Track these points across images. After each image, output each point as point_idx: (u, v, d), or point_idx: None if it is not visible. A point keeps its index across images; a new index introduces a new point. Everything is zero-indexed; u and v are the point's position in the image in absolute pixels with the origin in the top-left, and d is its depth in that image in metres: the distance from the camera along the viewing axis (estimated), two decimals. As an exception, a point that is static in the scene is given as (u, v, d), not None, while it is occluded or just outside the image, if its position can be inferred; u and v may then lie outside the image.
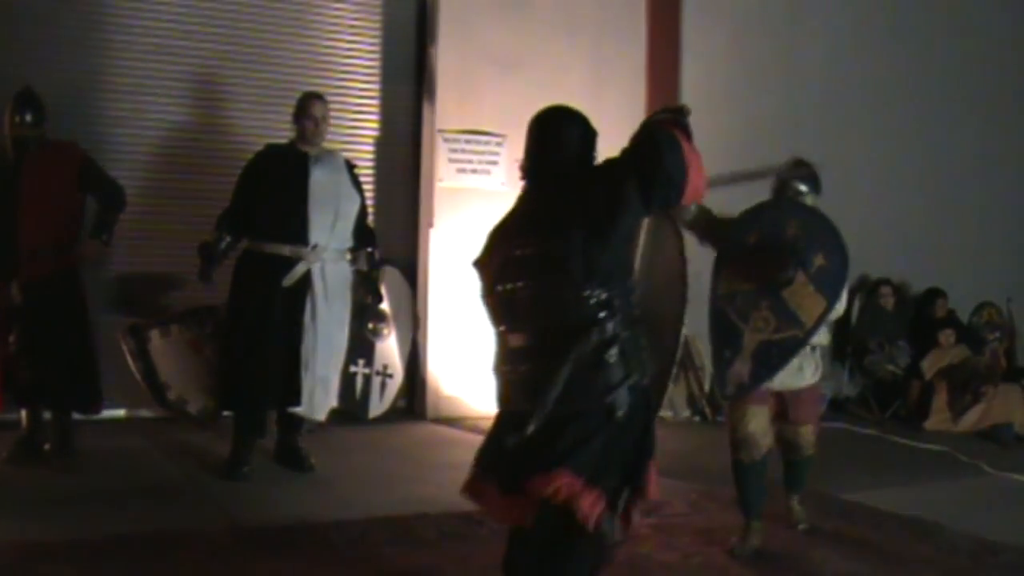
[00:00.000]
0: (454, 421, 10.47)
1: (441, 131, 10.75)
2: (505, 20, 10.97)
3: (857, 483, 8.90)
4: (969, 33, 13.57)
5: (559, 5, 11.27)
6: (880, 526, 7.69)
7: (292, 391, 8.08)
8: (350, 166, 8.55)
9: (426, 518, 7.19)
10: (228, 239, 8.25)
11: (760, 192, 7.35)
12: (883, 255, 12.55)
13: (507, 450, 4.82)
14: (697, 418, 11.42)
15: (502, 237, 5.14)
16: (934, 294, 12.57)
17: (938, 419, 11.36)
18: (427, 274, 10.77)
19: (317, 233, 8.10)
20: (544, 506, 4.63)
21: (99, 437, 8.78)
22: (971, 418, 11.18)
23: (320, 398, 8.24)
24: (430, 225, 10.79)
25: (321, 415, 8.39)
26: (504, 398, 5.09)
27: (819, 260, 6.75)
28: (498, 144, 10.93)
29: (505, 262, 4.96)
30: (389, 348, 10.32)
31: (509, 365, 4.94)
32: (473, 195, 10.79)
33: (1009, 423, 11.04)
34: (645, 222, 5.90)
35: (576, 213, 4.74)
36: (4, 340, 8.06)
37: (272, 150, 8.40)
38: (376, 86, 10.80)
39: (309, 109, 8.31)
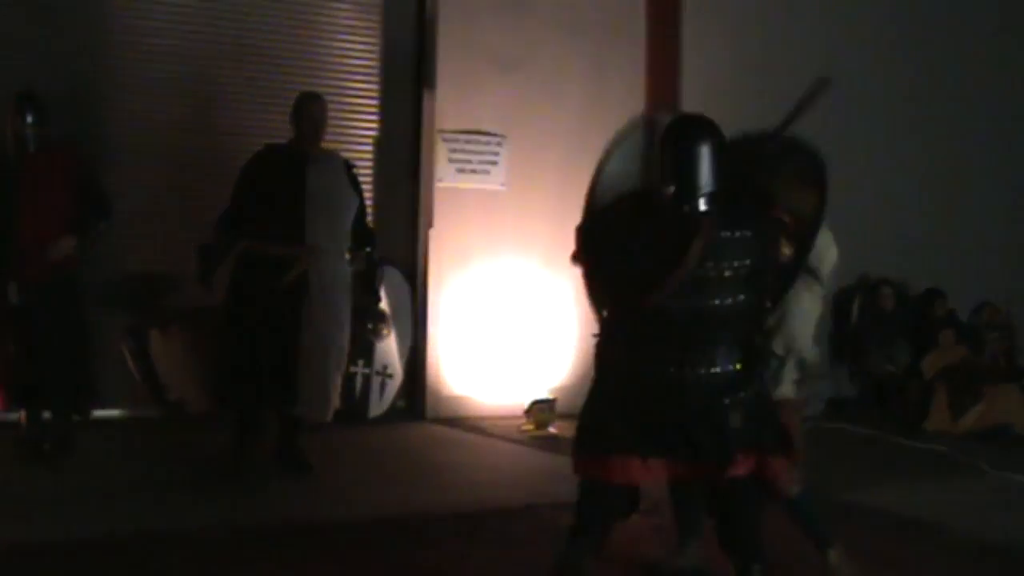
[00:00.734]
0: (454, 422, 10.47)
1: (441, 131, 10.74)
2: (505, 20, 10.96)
3: (856, 484, 8.88)
4: (970, 30, 13.55)
5: (559, 5, 11.25)
6: (879, 527, 7.68)
7: (290, 391, 8.06)
8: (348, 166, 8.54)
9: (427, 518, 7.19)
10: (227, 240, 8.23)
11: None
12: (883, 255, 12.54)
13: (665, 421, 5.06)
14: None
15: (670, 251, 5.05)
16: (934, 294, 12.56)
17: (938, 419, 11.34)
18: (427, 274, 10.76)
19: (315, 233, 8.08)
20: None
21: (98, 437, 8.77)
22: (971, 418, 11.16)
23: (320, 399, 8.22)
24: (429, 225, 10.78)
25: (323, 416, 8.36)
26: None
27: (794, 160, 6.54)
28: (498, 144, 10.93)
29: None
30: (389, 348, 10.31)
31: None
32: (473, 195, 10.79)
33: (1009, 423, 11.03)
34: None
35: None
36: (3, 340, 8.07)
37: (270, 151, 8.38)
38: (376, 86, 10.79)
39: (307, 110, 8.30)
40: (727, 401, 5.01)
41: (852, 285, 12.75)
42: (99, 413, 8.68)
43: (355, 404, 10.02)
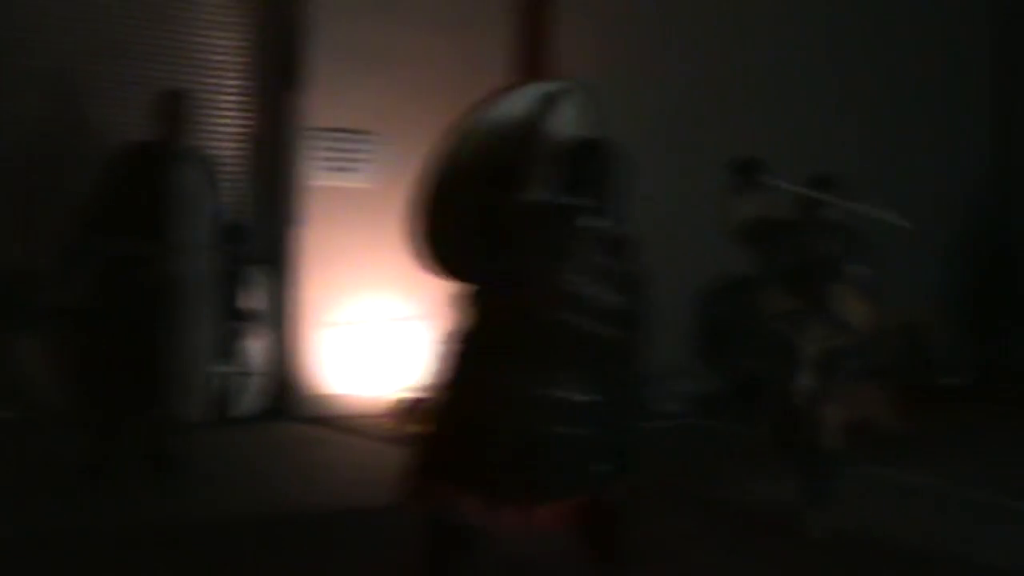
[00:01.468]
0: (320, 420, 10.42)
1: (310, 129, 10.68)
2: (375, 18, 10.92)
3: (724, 478, 9.01)
4: (848, 26, 13.78)
5: (429, 2, 11.24)
6: (749, 522, 7.79)
7: (156, 391, 7.98)
8: (213, 163, 8.48)
9: (294, 518, 7.16)
10: (89, 238, 8.12)
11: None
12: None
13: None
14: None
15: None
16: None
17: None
18: (294, 272, 10.69)
19: (180, 232, 8.00)
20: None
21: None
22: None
23: (187, 399, 8.15)
24: (298, 223, 10.71)
25: (189, 416, 8.29)
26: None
27: (853, 268, 7.44)
28: (368, 142, 10.89)
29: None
30: (256, 347, 10.24)
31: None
32: (342, 193, 10.75)
33: (871, 417, 11.21)
34: None
35: None
36: None
37: (134, 147, 8.28)
38: (245, 83, 10.69)
39: (171, 107, 8.22)
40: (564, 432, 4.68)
41: (719, 284, 12.88)
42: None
43: (221, 404, 9.92)
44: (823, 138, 13.49)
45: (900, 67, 14.42)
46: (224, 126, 10.54)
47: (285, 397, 10.67)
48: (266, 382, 10.40)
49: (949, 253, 14.96)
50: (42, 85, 9.88)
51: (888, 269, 7.89)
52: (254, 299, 10.14)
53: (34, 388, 9.01)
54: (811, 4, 13.72)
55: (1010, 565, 7.00)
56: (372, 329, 10.82)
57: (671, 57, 12.65)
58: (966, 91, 15.30)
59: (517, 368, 4.70)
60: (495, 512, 4.69)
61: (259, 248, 10.34)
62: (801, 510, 7.46)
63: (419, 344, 10.91)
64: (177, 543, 6.63)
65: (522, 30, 11.69)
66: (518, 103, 5.27)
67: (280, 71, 10.85)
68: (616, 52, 12.29)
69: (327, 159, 10.79)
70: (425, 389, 8.99)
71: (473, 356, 4.90)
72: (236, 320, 9.89)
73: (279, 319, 10.54)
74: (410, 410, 10.18)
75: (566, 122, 4.97)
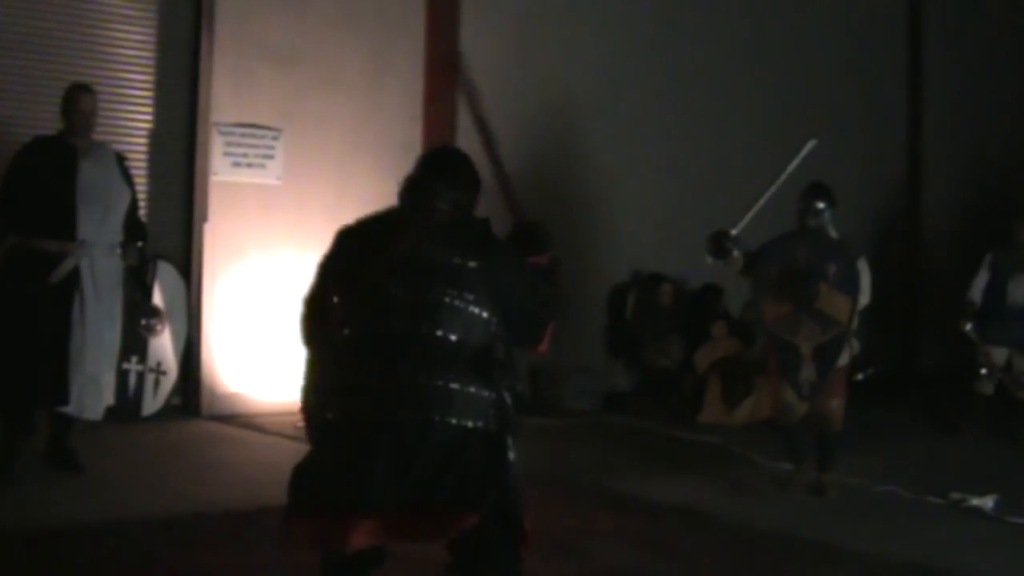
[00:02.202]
0: (230, 419, 10.35)
1: (216, 124, 10.59)
2: (282, 13, 10.86)
3: (632, 475, 9.05)
4: (764, 27, 13.90)
5: (338, -1, 11.22)
6: (655, 517, 7.83)
7: (61, 390, 7.88)
8: (120, 159, 8.39)
9: (203, 518, 7.10)
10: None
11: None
12: (659, 252, 12.78)
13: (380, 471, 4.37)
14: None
15: (394, 239, 4.66)
16: (709, 290, 12.76)
17: (712, 411, 11.58)
18: (201, 269, 10.59)
19: (85, 228, 7.91)
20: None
21: None
22: (745, 410, 11.40)
23: (92, 397, 8.06)
24: (204, 219, 10.62)
25: (95, 414, 8.20)
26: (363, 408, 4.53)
27: (833, 268, 8.42)
28: (274, 138, 10.83)
29: (411, 262, 4.56)
30: (163, 345, 10.16)
31: (378, 367, 4.51)
32: (248, 189, 10.68)
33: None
34: None
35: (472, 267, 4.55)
36: None
37: (39, 143, 8.18)
38: (150, 77, 10.57)
39: (77, 102, 8.12)
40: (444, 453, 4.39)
41: (627, 281, 12.96)
42: None
43: (128, 401, 9.85)
44: (735, 137, 13.63)
45: (816, 71, 14.60)
46: (129, 120, 10.41)
47: (194, 395, 10.58)
48: (175, 380, 10.30)
49: (861, 250, 15.11)
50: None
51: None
52: (161, 296, 10.04)
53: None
54: (728, 7, 13.84)
55: (917, 558, 7.08)
56: (279, 326, 10.75)
57: (580, 50, 12.69)
58: (882, 97, 15.53)
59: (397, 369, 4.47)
60: (378, 534, 4.42)
61: (166, 245, 10.24)
62: (815, 476, 8.64)
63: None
64: (80, 543, 6.54)
65: (432, 25, 11.70)
66: None
67: (187, 65, 10.75)
68: (526, 47, 12.32)
69: (233, 155, 10.69)
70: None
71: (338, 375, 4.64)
72: (144, 317, 9.79)
73: (186, 316, 10.44)
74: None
75: None
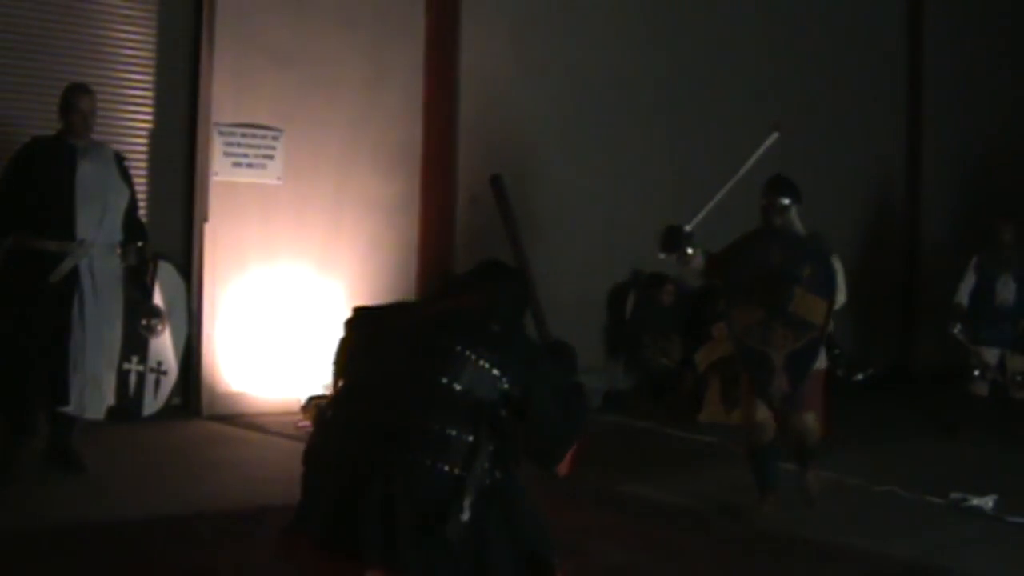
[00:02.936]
0: (230, 418, 10.35)
1: (217, 124, 10.59)
2: (283, 13, 10.86)
3: (632, 474, 9.05)
4: (759, 25, 13.92)
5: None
6: (655, 517, 7.83)
7: (61, 390, 7.89)
8: (119, 158, 8.38)
9: (203, 517, 7.10)
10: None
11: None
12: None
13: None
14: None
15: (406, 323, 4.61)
16: (711, 290, 12.75)
17: (711, 411, 11.57)
18: (201, 269, 10.59)
19: (84, 228, 7.91)
20: None
21: None
22: (743, 409, 11.39)
23: (93, 397, 8.06)
24: (205, 219, 10.62)
25: (97, 414, 8.20)
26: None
27: (807, 271, 7.85)
28: (274, 138, 10.83)
29: (421, 343, 4.46)
30: (163, 344, 10.15)
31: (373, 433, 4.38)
32: (248, 189, 10.67)
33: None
34: None
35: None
36: None
37: (38, 143, 8.18)
38: (151, 77, 10.57)
39: (75, 102, 8.11)
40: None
41: (626, 281, 12.96)
42: None
43: (129, 401, 9.85)
44: (736, 136, 13.63)
45: (813, 68, 14.60)
46: (130, 120, 10.42)
47: (195, 395, 10.58)
48: (176, 380, 10.30)
49: (857, 251, 15.14)
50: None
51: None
52: (161, 296, 10.04)
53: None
54: (728, 4, 13.86)
55: (917, 558, 7.09)
56: (280, 326, 10.76)
57: (580, 50, 12.69)
58: (881, 97, 15.53)
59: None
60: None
61: (166, 245, 10.24)
62: (800, 479, 8.13)
63: (328, 340, 10.88)
64: (81, 543, 6.54)
65: (432, 25, 11.70)
66: None
67: (187, 65, 10.76)
68: (525, 49, 12.32)
69: (233, 155, 10.69)
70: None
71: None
72: (145, 317, 9.79)
73: (186, 316, 10.43)
74: (321, 407, 10.16)
75: None
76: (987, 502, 8.33)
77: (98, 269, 8.01)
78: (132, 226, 8.32)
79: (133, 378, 9.93)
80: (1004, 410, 11.30)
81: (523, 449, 4.46)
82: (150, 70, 10.57)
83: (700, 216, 8.16)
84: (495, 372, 4.34)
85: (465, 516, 4.22)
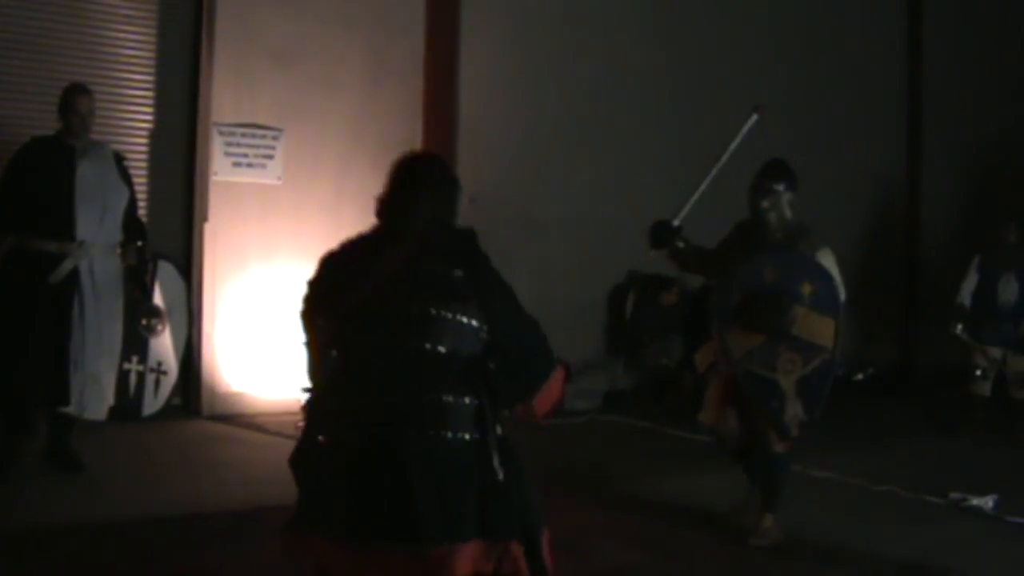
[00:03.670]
0: (230, 418, 10.35)
1: (216, 124, 10.59)
2: (282, 13, 10.86)
3: (632, 474, 9.05)
4: (740, 38, 13.90)
5: (337, -2, 11.22)
6: (655, 517, 7.83)
7: (61, 390, 7.89)
8: (119, 158, 8.38)
9: (202, 517, 7.10)
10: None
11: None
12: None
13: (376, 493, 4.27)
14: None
15: (374, 283, 4.50)
16: (711, 290, 12.73)
17: (709, 411, 11.53)
18: (201, 269, 10.60)
19: (84, 229, 7.91)
20: None
21: None
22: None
23: (94, 397, 8.07)
24: (204, 219, 10.62)
25: (98, 414, 8.21)
26: (344, 425, 4.44)
27: (807, 288, 7.17)
28: (274, 138, 10.83)
29: (397, 280, 4.43)
30: (163, 344, 10.16)
31: (363, 389, 4.40)
32: (249, 189, 10.68)
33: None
34: None
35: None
36: None
37: (38, 143, 8.17)
38: (151, 77, 10.57)
39: (74, 103, 8.11)
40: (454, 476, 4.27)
41: (625, 281, 12.95)
42: None
43: (129, 401, 9.84)
44: (733, 135, 13.62)
45: (813, 68, 14.60)
46: (129, 120, 10.42)
47: (195, 395, 10.58)
48: (176, 380, 10.30)
49: (858, 251, 15.14)
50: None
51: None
52: (161, 296, 10.04)
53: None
54: (725, 4, 13.85)
55: (916, 558, 7.08)
56: (280, 326, 10.75)
57: (580, 50, 12.70)
58: (881, 97, 15.54)
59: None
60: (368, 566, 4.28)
61: (166, 245, 10.24)
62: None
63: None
64: (81, 543, 6.54)
65: (432, 25, 11.70)
66: None
67: (187, 65, 10.75)
68: (525, 49, 12.32)
69: (233, 155, 10.69)
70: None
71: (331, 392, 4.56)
72: (145, 317, 9.79)
73: (186, 316, 10.43)
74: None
75: None
76: (987, 502, 8.33)
77: (98, 269, 8.02)
78: (132, 226, 8.32)
79: (133, 378, 9.93)
80: (1005, 410, 11.30)
81: (499, 384, 4.41)
82: (150, 70, 10.57)
83: (687, 208, 7.83)
84: (473, 323, 4.36)
85: (500, 476, 4.29)
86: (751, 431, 7.46)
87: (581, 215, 12.59)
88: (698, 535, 7.46)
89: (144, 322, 9.84)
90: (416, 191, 4.64)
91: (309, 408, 4.78)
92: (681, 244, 7.74)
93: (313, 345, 4.66)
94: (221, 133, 10.61)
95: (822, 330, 7.15)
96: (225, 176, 10.64)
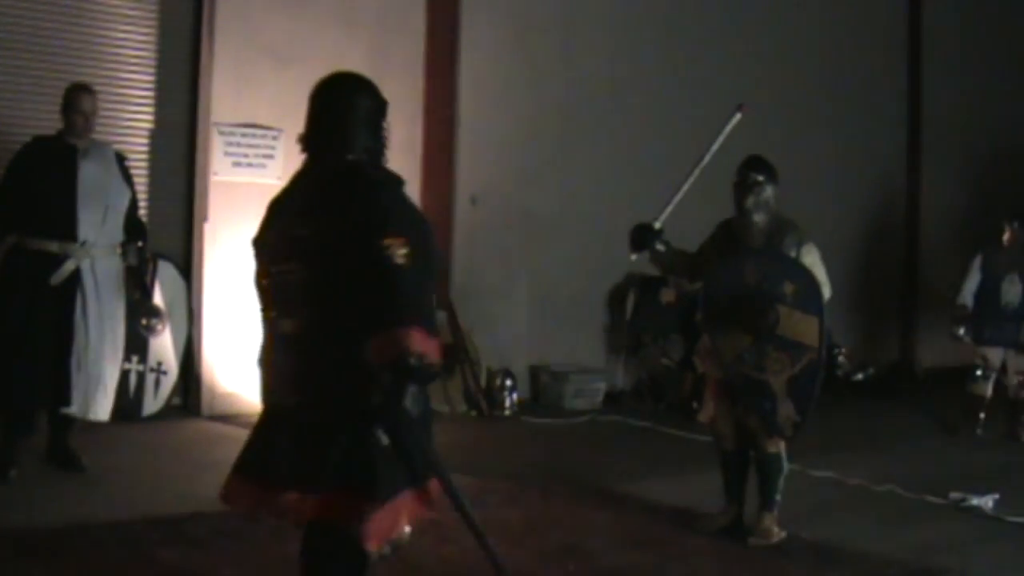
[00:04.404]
0: (229, 418, 10.32)
1: (217, 124, 10.59)
2: (282, 12, 10.86)
3: (632, 474, 9.05)
4: (740, 38, 13.90)
5: (337, -2, 11.21)
6: (655, 517, 7.83)
7: (62, 391, 7.89)
8: (120, 158, 8.39)
9: (202, 517, 7.09)
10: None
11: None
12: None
13: (280, 448, 4.43)
14: (473, 412, 11.45)
15: (279, 213, 4.64)
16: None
17: (708, 410, 11.53)
18: (202, 269, 10.59)
19: (86, 229, 7.91)
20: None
21: None
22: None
23: (97, 397, 8.06)
24: (205, 219, 10.62)
25: (102, 415, 8.19)
26: (267, 390, 4.57)
27: (789, 287, 7.16)
28: (274, 138, 10.82)
29: (279, 241, 4.51)
30: (163, 344, 10.15)
31: (276, 354, 4.50)
32: (249, 189, 10.65)
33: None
34: None
35: (351, 208, 4.39)
36: None
37: (39, 143, 8.18)
38: (151, 77, 10.56)
39: (77, 102, 8.11)
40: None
41: (625, 281, 12.95)
42: None
43: (129, 401, 9.84)
44: (732, 136, 13.62)
45: (813, 67, 14.60)
46: (130, 120, 10.41)
47: (195, 395, 10.58)
48: (176, 380, 10.30)
49: (858, 251, 15.16)
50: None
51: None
52: (162, 296, 10.04)
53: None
54: (729, 6, 13.86)
55: (916, 558, 7.09)
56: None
57: (580, 50, 12.70)
58: (881, 96, 15.54)
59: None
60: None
61: (166, 244, 10.24)
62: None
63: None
64: (81, 543, 6.54)
65: (432, 25, 11.70)
66: None
67: (187, 65, 10.75)
68: (525, 49, 12.32)
69: (233, 155, 10.69)
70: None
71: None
72: (145, 317, 9.79)
73: (186, 316, 10.43)
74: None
75: None
76: (987, 502, 8.33)
77: (100, 270, 8.01)
78: (133, 226, 8.32)
79: (133, 378, 9.93)
80: (1006, 410, 11.29)
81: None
82: (151, 70, 10.56)
83: (668, 210, 7.82)
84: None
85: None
86: (746, 431, 7.49)
87: (581, 215, 12.60)
88: (698, 535, 7.45)
89: (144, 322, 9.83)
90: (336, 124, 4.89)
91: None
92: (662, 247, 7.71)
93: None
94: (221, 133, 10.61)
95: (807, 329, 7.13)
96: (225, 176, 10.64)
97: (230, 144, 10.65)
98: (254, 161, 10.76)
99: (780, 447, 7.36)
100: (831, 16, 14.81)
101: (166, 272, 10.18)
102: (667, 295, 12.69)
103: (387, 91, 5.42)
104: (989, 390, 11.33)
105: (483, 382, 11.65)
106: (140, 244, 8.38)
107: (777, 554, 7.14)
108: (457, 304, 11.47)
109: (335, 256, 4.31)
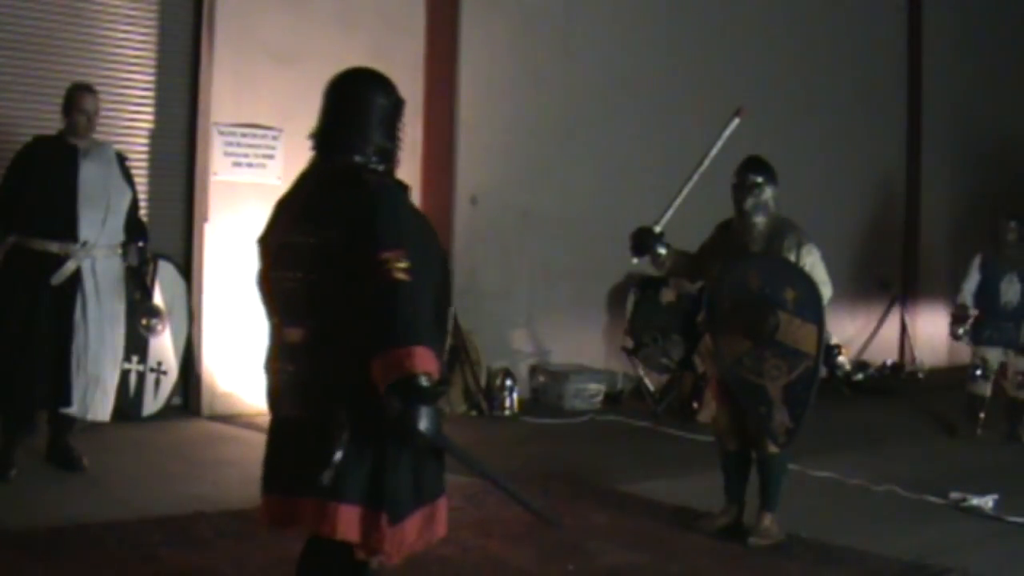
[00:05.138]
0: (229, 418, 10.34)
1: (217, 124, 10.58)
2: (282, 13, 10.86)
3: (632, 474, 9.05)
4: (740, 38, 13.91)
5: (337, -2, 11.21)
6: (655, 517, 7.83)
7: (63, 391, 7.89)
8: (121, 159, 8.38)
9: (202, 517, 7.10)
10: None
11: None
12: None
13: (289, 459, 4.35)
14: (474, 412, 11.46)
15: (282, 215, 4.58)
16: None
17: (710, 411, 11.54)
18: (202, 269, 10.59)
19: (87, 229, 7.91)
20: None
21: None
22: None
23: (97, 398, 8.06)
24: (205, 219, 10.62)
25: (102, 416, 8.20)
26: (274, 399, 4.48)
27: (790, 294, 7.16)
28: (274, 138, 10.82)
29: (280, 247, 4.44)
30: (163, 344, 10.14)
31: (282, 363, 4.40)
32: (249, 189, 10.66)
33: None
34: None
35: (348, 218, 4.27)
36: None
37: (40, 143, 8.18)
38: (151, 77, 10.56)
39: (79, 102, 8.11)
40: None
41: (624, 281, 12.96)
42: None
43: (129, 401, 9.84)
44: (733, 136, 13.63)
45: (813, 67, 14.62)
46: (130, 120, 10.41)
47: (195, 395, 10.58)
48: (176, 380, 10.30)
49: (857, 250, 15.16)
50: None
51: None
52: (162, 296, 10.03)
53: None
54: (729, 5, 13.87)
55: (916, 558, 7.09)
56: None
57: (580, 50, 12.70)
58: (882, 96, 15.57)
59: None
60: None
61: (166, 244, 10.24)
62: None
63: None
64: (81, 543, 6.54)
65: (432, 25, 11.71)
66: None
67: (187, 65, 10.75)
68: (525, 49, 12.33)
69: (233, 155, 10.69)
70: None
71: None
72: (145, 317, 9.78)
73: (186, 316, 10.43)
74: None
75: None
76: (987, 502, 8.34)
77: (100, 270, 8.02)
78: (133, 226, 8.32)
79: (133, 378, 9.92)
80: (1005, 410, 11.29)
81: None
82: (151, 70, 10.56)
83: (669, 213, 7.79)
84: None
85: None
86: (745, 432, 7.50)
87: (581, 215, 12.60)
88: (698, 535, 7.46)
89: (144, 322, 9.82)
90: (347, 125, 4.68)
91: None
92: (663, 250, 7.69)
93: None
94: (221, 133, 10.61)
95: (805, 337, 7.13)
96: (225, 176, 10.63)
97: (230, 144, 10.65)
98: (254, 161, 10.76)
99: (779, 448, 7.37)
100: (831, 16, 14.82)
101: (166, 272, 10.18)
102: (667, 295, 12.69)
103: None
104: (989, 390, 11.33)
105: (483, 382, 11.66)
106: (141, 244, 8.39)
107: (777, 554, 7.15)
108: (457, 304, 11.48)
109: (335, 266, 4.23)
